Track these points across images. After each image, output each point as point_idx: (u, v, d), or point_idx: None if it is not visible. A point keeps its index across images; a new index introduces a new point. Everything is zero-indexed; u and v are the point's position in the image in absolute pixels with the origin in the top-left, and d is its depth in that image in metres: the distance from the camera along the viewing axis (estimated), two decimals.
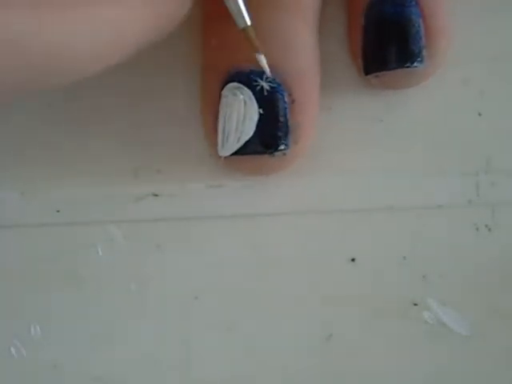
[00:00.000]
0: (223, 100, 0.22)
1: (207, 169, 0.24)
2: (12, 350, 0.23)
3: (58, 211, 0.24)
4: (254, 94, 0.22)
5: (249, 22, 0.20)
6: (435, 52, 0.23)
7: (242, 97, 0.22)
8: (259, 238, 0.24)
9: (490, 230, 0.24)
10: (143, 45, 0.19)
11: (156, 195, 0.24)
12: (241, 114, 0.22)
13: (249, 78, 0.22)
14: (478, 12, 0.25)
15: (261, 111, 0.22)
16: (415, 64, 0.23)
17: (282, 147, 0.22)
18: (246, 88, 0.22)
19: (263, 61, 0.21)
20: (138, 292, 0.24)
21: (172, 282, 0.24)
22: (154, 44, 0.23)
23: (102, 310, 0.23)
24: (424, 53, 0.23)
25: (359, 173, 0.24)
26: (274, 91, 0.22)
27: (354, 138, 0.24)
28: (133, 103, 0.25)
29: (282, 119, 0.22)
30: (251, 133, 0.22)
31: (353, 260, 0.24)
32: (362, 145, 0.24)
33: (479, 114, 0.24)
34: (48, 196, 0.24)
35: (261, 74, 0.22)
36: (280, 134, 0.22)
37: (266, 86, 0.22)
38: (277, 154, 0.22)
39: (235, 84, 0.22)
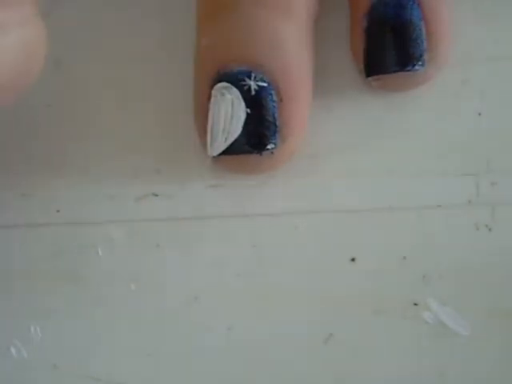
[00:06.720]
0: (212, 100, 0.22)
1: (207, 169, 0.24)
2: (12, 350, 0.23)
3: (57, 211, 0.24)
4: (242, 93, 0.22)
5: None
6: (437, 55, 0.23)
7: (229, 96, 0.22)
8: (259, 238, 0.24)
9: (490, 229, 0.24)
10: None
11: (156, 195, 0.24)
12: (228, 114, 0.22)
13: (236, 78, 0.22)
14: (478, 12, 0.25)
15: (248, 111, 0.22)
16: (416, 67, 0.23)
17: (270, 146, 0.22)
18: (234, 88, 0.22)
19: None
20: (137, 292, 0.24)
21: (172, 282, 0.24)
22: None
23: (102, 309, 0.23)
24: (425, 56, 0.23)
25: (359, 173, 0.24)
26: (261, 90, 0.22)
27: (354, 138, 0.24)
28: (133, 103, 0.25)
29: (269, 118, 0.22)
30: (238, 132, 0.22)
31: (353, 260, 0.24)
32: (362, 145, 0.24)
33: (479, 114, 0.24)
34: (48, 196, 0.24)
35: (249, 73, 0.22)
36: (267, 133, 0.22)
37: (253, 85, 0.22)
38: (264, 153, 0.22)
39: (223, 84, 0.22)
